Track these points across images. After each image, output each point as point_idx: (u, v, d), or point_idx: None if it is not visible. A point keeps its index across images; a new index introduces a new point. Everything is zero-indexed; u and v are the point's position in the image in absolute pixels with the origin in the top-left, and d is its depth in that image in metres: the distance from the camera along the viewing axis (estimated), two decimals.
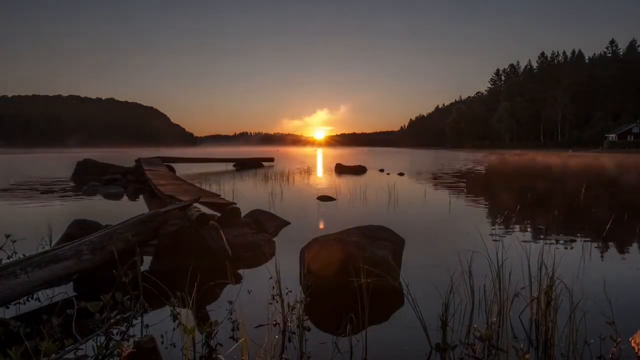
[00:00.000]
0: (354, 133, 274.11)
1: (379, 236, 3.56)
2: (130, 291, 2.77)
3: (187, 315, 2.50)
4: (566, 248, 4.61)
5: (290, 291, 2.97)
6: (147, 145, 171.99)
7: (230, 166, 21.53)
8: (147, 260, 3.94)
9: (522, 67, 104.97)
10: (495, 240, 4.83)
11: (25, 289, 2.63)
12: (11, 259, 3.29)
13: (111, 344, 2.15)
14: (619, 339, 2.12)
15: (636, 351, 2.21)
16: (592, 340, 2.26)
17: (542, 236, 5.17)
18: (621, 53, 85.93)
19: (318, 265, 3.28)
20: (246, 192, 10.00)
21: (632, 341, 2.27)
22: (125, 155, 41.46)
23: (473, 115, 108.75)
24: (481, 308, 2.80)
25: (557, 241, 4.91)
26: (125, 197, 9.60)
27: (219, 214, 5.60)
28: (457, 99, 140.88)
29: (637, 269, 3.89)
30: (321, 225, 5.85)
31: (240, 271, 3.77)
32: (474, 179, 15.50)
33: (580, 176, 15.67)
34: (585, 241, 4.88)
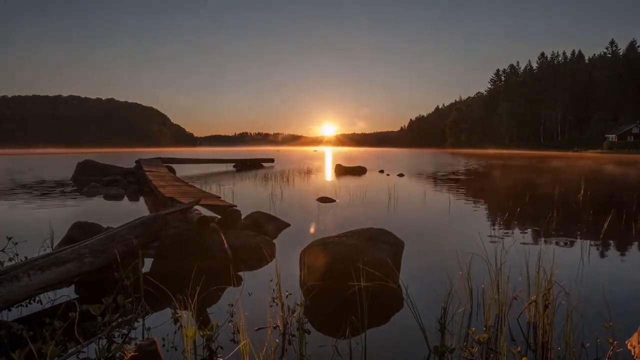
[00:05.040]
0: (354, 133, 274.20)
1: (379, 239, 3.58)
2: (131, 294, 2.79)
3: (188, 318, 2.52)
4: (565, 250, 4.63)
5: (291, 294, 3.00)
6: (147, 145, 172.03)
7: (230, 167, 21.56)
8: (148, 262, 3.96)
9: (522, 68, 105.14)
10: (493, 242, 4.85)
11: (28, 291, 2.66)
12: (13, 261, 3.31)
13: (113, 347, 2.17)
14: (615, 342, 2.14)
15: (633, 354, 2.23)
16: (588, 344, 2.29)
17: (540, 238, 5.20)
18: (621, 53, 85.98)
19: (318, 268, 3.30)
20: (246, 194, 10.02)
21: (629, 344, 2.30)
22: (125, 156, 41.48)
23: (473, 115, 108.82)
24: (479, 310, 2.83)
25: (556, 243, 4.94)
26: (125, 199, 9.62)
27: (219, 216, 5.63)
28: (457, 99, 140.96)
29: (635, 271, 3.92)
30: (321, 227, 5.86)
31: (240, 273, 3.79)
32: (473, 179, 15.52)
33: (579, 177, 15.69)
34: (583, 243, 4.90)
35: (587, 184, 9.54)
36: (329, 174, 17.53)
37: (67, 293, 3.18)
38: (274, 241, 4.84)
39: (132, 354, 1.95)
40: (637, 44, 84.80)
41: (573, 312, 2.34)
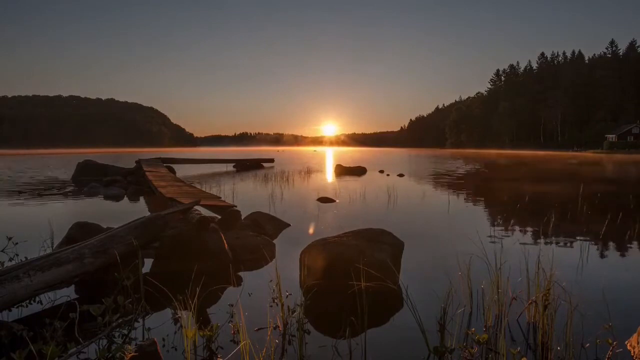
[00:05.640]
0: (354, 133, 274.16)
1: (379, 239, 3.58)
2: (131, 294, 2.80)
3: (188, 319, 2.53)
4: (565, 250, 4.63)
5: (290, 294, 3.01)
6: (147, 145, 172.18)
7: (230, 167, 21.57)
8: (148, 263, 3.97)
9: (522, 68, 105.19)
10: (493, 242, 4.86)
11: (28, 292, 2.66)
12: (13, 261, 3.32)
13: (113, 347, 2.18)
14: (615, 342, 2.15)
15: (632, 354, 2.23)
16: (588, 344, 2.29)
17: (540, 238, 5.20)
18: (621, 53, 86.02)
19: (317, 268, 3.31)
20: (246, 194, 10.03)
21: (628, 344, 2.30)
22: (125, 156, 41.49)
23: (473, 115, 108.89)
24: (479, 311, 2.83)
25: (556, 243, 4.94)
26: (125, 199, 9.62)
27: (219, 217, 5.63)
28: (457, 99, 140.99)
29: (635, 271, 3.92)
30: (321, 228, 5.87)
31: (240, 274, 3.80)
32: (473, 180, 15.53)
33: (578, 176, 15.70)
34: (583, 243, 4.90)
35: (585, 185, 9.54)
36: (329, 174, 17.54)
37: (67, 293, 3.18)
38: (274, 241, 4.85)
39: (132, 354, 1.95)
40: (637, 44, 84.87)
41: (573, 312, 2.34)
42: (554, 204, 8.41)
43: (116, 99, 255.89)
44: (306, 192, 10.54)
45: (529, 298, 2.71)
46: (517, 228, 5.89)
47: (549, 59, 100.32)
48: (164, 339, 2.40)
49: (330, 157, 41.32)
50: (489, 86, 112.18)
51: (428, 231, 5.84)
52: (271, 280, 3.11)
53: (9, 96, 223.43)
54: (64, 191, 11.03)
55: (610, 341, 2.15)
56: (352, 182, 13.29)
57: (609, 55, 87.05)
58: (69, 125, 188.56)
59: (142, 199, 9.63)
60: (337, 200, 8.65)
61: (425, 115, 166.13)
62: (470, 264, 3.06)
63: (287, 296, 2.88)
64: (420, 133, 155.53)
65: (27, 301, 2.90)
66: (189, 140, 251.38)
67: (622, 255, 4.60)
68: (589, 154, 53.52)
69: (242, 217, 5.77)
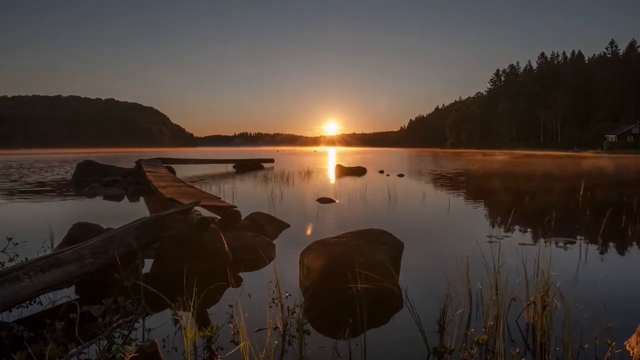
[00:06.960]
0: (354, 133, 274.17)
1: (378, 240, 3.59)
2: (132, 295, 2.81)
3: (188, 319, 2.53)
4: (563, 251, 4.64)
5: (290, 295, 3.01)
6: (147, 145, 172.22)
7: (230, 167, 21.57)
8: (149, 263, 3.97)
9: (522, 68, 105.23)
10: (492, 243, 4.86)
11: (29, 293, 2.66)
12: (13, 262, 3.32)
13: (114, 348, 2.18)
14: (614, 343, 2.15)
15: (631, 354, 2.24)
16: (587, 345, 2.30)
17: (539, 239, 5.20)
18: (621, 53, 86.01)
19: (317, 269, 3.31)
20: (246, 194, 10.03)
21: (627, 345, 2.31)
22: (125, 156, 41.50)
23: (473, 115, 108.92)
24: (478, 312, 2.84)
25: (555, 244, 4.94)
26: (125, 199, 9.63)
27: (219, 217, 5.64)
28: (457, 100, 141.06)
29: (633, 272, 3.92)
30: (321, 228, 5.87)
31: (240, 274, 3.80)
32: (472, 180, 15.53)
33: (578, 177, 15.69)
34: (582, 244, 4.91)
35: (585, 186, 9.55)
36: (329, 175, 17.54)
37: (68, 294, 3.19)
38: (274, 242, 4.85)
39: (133, 355, 1.96)
40: (637, 44, 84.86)
41: (571, 313, 2.35)
42: (553, 203, 8.41)
43: (116, 99, 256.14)
44: (306, 192, 10.55)
45: (528, 299, 2.72)
46: (515, 228, 5.89)
47: (549, 59, 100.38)
48: (164, 340, 2.41)
49: (330, 157, 41.32)
50: (489, 86, 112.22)
51: (428, 231, 5.85)
52: (271, 281, 3.11)
53: (9, 96, 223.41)
54: (63, 191, 11.03)
55: (609, 342, 2.16)
56: (352, 183, 13.29)
57: (609, 56, 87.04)
58: (69, 125, 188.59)
59: (142, 199, 9.63)
60: (337, 201, 8.66)
61: (425, 115, 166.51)
62: (470, 264, 3.06)
63: (286, 297, 2.88)
64: (420, 133, 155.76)
65: (28, 302, 2.91)
66: (189, 140, 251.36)
67: (621, 255, 4.60)
68: (588, 154, 53.54)
69: (242, 218, 5.78)
